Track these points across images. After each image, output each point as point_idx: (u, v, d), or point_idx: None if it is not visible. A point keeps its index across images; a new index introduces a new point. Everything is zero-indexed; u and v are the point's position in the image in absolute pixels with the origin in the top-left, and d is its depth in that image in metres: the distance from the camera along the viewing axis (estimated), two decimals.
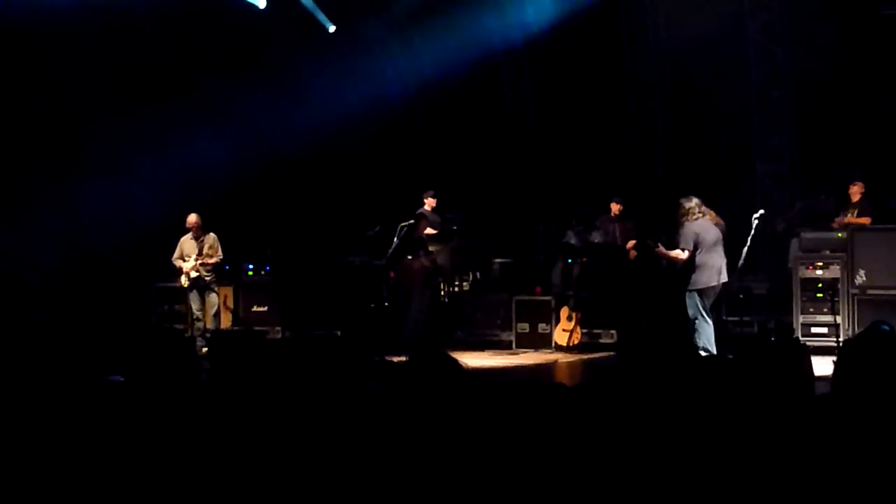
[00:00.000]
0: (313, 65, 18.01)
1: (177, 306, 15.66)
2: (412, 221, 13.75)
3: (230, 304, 15.87)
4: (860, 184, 13.83)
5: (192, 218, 14.64)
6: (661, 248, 12.18)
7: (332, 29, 18.05)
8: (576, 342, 14.49)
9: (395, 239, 13.55)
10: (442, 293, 16.13)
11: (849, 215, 13.68)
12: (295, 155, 18.03)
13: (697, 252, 11.61)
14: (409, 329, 13.55)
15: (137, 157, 16.85)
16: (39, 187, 16.47)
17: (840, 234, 13.10)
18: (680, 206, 11.90)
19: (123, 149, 16.76)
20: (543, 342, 14.82)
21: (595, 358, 13.83)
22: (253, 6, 16.85)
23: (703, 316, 11.62)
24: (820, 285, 12.90)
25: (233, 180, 17.38)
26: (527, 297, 15.25)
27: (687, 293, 11.73)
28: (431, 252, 13.87)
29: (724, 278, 11.77)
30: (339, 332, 14.87)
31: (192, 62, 17.26)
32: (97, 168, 16.13)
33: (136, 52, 16.66)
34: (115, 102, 16.35)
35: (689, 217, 11.72)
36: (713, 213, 11.82)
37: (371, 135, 19.09)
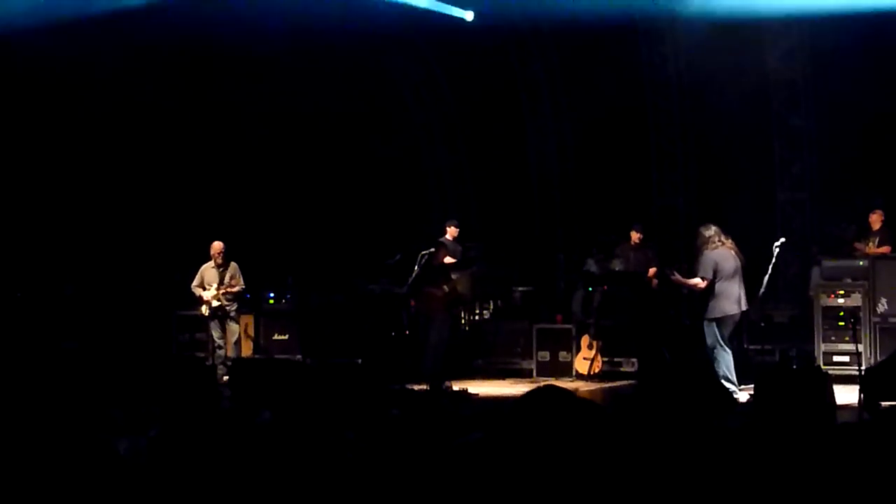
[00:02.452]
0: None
1: (198, 335, 15.61)
2: (433, 250, 13.74)
3: (251, 332, 15.87)
4: (880, 212, 13.82)
5: (217, 245, 14.47)
6: (677, 276, 12.17)
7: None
8: (597, 370, 14.42)
9: (416, 267, 13.55)
10: (462, 321, 16.11)
11: (869, 244, 13.65)
12: (315, 182, 18.11)
13: (716, 280, 11.59)
14: (429, 357, 13.53)
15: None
16: None
17: (861, 263, 13.07)
18: (699, 234, 11.91)
19: None
20: (564, 370, 14.77)
21: (616, 386, 13.79)
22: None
23: (720, 345, 11.58)
24: (842, 313, 12.83)
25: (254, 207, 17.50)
26: (547, 326, 15.22)
27: (705, 322, 11.71)
28: (452, 280, 13.85)
29: (744, 307, 11.75)
30: (360, 361, 14.89)
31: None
32: None
33: None
34: None
35: (708, 246, 11.72)
36: (732, 242, 11.81)
37: (392, 162, 19.14)
